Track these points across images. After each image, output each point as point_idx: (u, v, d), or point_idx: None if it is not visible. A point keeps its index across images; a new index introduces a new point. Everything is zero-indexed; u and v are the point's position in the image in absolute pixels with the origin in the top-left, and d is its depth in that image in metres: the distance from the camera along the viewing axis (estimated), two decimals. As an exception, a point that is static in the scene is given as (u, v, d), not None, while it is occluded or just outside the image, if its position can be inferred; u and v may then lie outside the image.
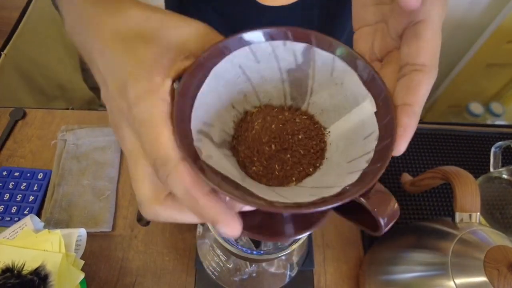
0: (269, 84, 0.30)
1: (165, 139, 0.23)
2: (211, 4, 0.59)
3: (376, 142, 0.23)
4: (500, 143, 0.62)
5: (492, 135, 0.73)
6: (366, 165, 0.23)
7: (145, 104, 0.23)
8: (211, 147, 0.26)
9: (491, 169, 0.62)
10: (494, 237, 0.40)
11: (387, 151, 0.23)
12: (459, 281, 0.38)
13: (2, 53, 1.02)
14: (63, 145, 0.62)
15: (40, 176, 0.59)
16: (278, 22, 0.58)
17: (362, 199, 0.23)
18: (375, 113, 0.24)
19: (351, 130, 0.26)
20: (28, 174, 0.59)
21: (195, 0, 0.59)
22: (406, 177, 0.59)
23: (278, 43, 0.28)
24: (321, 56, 0.27)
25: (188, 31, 0.26)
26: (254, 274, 0.47)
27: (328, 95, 0.28)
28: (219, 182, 0.23)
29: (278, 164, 0.27)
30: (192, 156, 0.23)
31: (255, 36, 0.27)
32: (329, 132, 0.28)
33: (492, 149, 0.63)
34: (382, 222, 0.24)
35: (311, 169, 0.27)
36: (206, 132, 0.27)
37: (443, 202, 0.64)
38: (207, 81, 0.26)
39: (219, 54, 0.27)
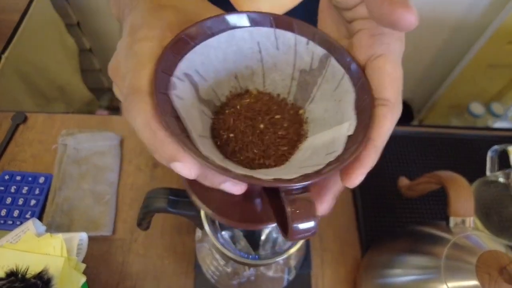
0: (279, 75, 0.29)
1: (145, 72, 0.23)
2: None
3: (332, 159, 0.23)
4: (496, 147, 0.62)
5: (489, 138, 0.73)
6: (311, 171, 0.23)
7: (145, 44, 0.25)
8: (189, 93, 0.26)
9: (488, 173, 0.63)
10: (487, 242, 0.41)
11: (336, 166, 0.22)
12: (451, 284, 0.39)
13: (2, 56, 1.03)
14: (63, 149, 0.63)
15: (42, 180, 0.60)
16: None
17: (286, 196, 0.23)
18: (349, 136, 0.24)
19: (321, 145, 0.26)
20: (30, 178, 0.60)
21: None
22: (404, 181, 0.60)
23: (302, 40, 0.27)
24: (334, 68, 0.27)
25: None
26: (252, 278, 0.48)
27: (323, 108, 0.28)
28: (171, 123, 0.22)
29: (252, 149, 0.27)
30: (160, 86, 0.23)
31: (284, 22, 0.27)
32: (306, 139, 0.28)
33: (489, 153, 0.63)
34: (293, 228, 0.23)
35: (276, 162, 0.27)
36: (194, 80, 0.26)
37: (439, 206, 0.64)
38: (219, 37, 0.26)
39: (242, 20, 0.27)
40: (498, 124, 1.65)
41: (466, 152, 0.71)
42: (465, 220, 0.44)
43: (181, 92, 0.25)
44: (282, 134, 0.28)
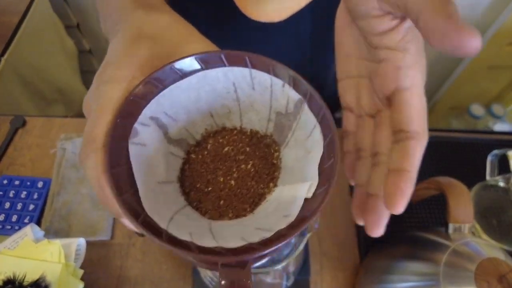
0: (256, 115, 0.29)
1: (104, 120, 0.23)
2: (204, 8, 0.59)
3: (284, 226, 0.22)
4: (496, 151, 0.62)
5: (489, 142, 0.73)
6: (257, 240, 0.22)
7: (111, 87, 0.24)
8: (155, 137, 0.25)
9: (488, 177, 0.63)
10: (486, 249, 0.41)
11: (279, 241, 0.21)
12: (451, 292, 0.38)
13: (1, 58, 1.03)
14: (62, 153, 0.63)
15: (40, 184, 0.60)
16: (267, 34, 0.58)
17: (222, 268, 0.22)
18: (305, 200, 0.24)
19: (284, 201, 0.25)
20: (28, 183, 0.60)
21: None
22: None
23: (278, 82, 0.27)
24: (307, 116, 0.26)
25: (199, 48, 0.27)
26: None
27: (295, 156, 0.27)
28: (117, 175, 0.22)
29: (216, 193, 0.27)
30: (118, 135, 0.23)
31: (259, 62, 0.26)
32: (274, 190, 0.27)
33: (489, 157, 0.63)
34: None
35: (241, 212, 0.26)
36: (162, 122, 0.26)
37: (438, 211, 0.64)
38: (190, 78, 0.26)
39: (216, 60, 0.26)
40: (499, 126, 1.64)
41: (465, 156, 0.71)
42: (464, 227, 0.44)
43: (143, 138, 0.24)
44: (251, 185, 0.27)
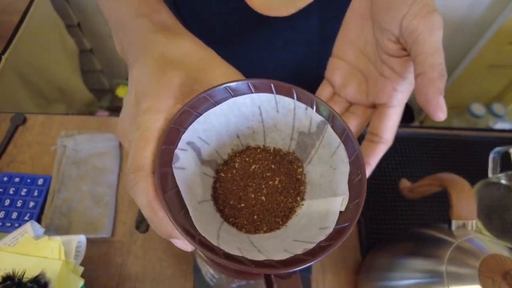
0: (279, 134, 0.31)
1: (149, 148, 0.25)
2: (210, 9, 0.59)
3: (323, 238, 0.24)
4: (498, 148, 0.62)
5: (491, 139, 0.73)
6: (301, 252, 0.24)
7: (150, 117, 0.26)
8: (191, 160, 0.27)
9: (490, 175, 0.62)
10: (490, 245, 0.40)
11: (324, 251, 0.23)
12: (454, 289, 0.38)
13: (2, 56, 1.03)
14: (62, 150, 0.63)
15: (40, 182, 0.60)
16: (276, 30, 0.58)
17: (275, 278, 0.24)
18: (340, 213, 0.26)
19: (316, 215, 0.27)
20: (29, 180, 0.60)
21: (193, 2, 0.60)
22: (405, 183, 0.59)
23: (301, 105, 0.29)
24: (331, 136, 0.28)
25: (223, 74, 0.30)
26: (252, 281, 0.48)
27: (320, 172, 0.29)
28: (171, 199, 0.23)
29: (249, 209, 0.29)
30: (163, 162, 0.24)
31: (284, 88, 0.29)
32: (303, 204, 0.29)
33: (491, 155, 0.63)
34: None
35: (275, 225, 0.28)
36: (197, 145, 0.28)
37: (441, 208, 0.64)
38: (222, 105, 0.28)
39: (244, 88, 0.28)
40: (499, 125, 1.64)
41: (467, 154, 0.71)
42: (467, 223, 0.43)
43: (183, 162, 0.26)
44: (281, 199, 0.29)
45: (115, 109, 1.72)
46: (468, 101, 1.71)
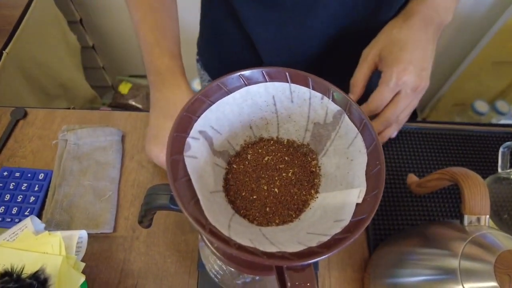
0: (293, 126, 0.30)
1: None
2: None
3: (339, 231, 0.23)
4: (508, 143, 0.61)
5: (499, 134, 0.72)
6: (315, 245, 0.23)
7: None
8: (203, 149, 0.27)
9: (499, 170, 0.61)
10: (505, 241, 0.39)
11: (340, 243, 0.23)
12: (468, 285, 0.37)
13: (4, 52, 1.02)
14: (64, 145, 0.61)
15: (41, 176, 0.59)
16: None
17: (287, 271, 0.23)
18: (357, 204, 0.25)
19: (332, 207, 0.26)
20: (29, 175, 0.59)
21: None
22: (412, 178, 0.58)
23: (317, 95, 0.28)
24: (348, 126, 0.28)
25: None
26: (257, 278, 0.47)
27: (336, 164, 0.28)
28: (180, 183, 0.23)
29: (261, 201, 0.28)
30: (175, 149, 0.24)
31: (299, 76, 0.28)
32: (317, 197, 0.29)
33: (501, 149, 0.61)
34: None
35: (287, 218, 0.28)
36: (209, 135, 0.27)
37: (450, 203, 0.63)
38: (234, 94, 0.28)
39: (258, 77, 0.28)
40: (503, 123, 1.63)
41: (475, 149, 0.70)
42: (480, 219, 0.42)
43: (194, 151, 0.26)
44: (294, 192, 0.28)
45: (117, 105, 1.71)
46: (471, 99, 1.70)
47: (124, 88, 1.70)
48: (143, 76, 1.70)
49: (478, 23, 1.48)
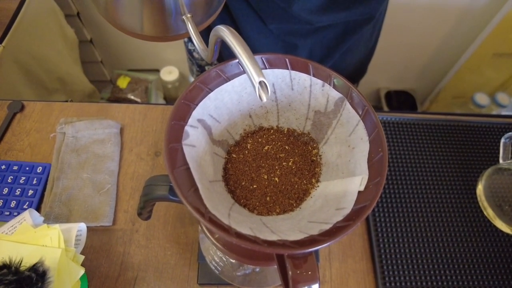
0: (293, 114, 0.30)
1: None
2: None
3: (341, 219, 0.23)
4: (510, 133, 0.60)
5: (500, 125, 0.71)
6: (317, 233, 0.22)
7: None
8: (202, 138, 0.26)
9: (501, 161, 0.61)
10: None
11: (342, 231, 0.22)
12: None
13: (0, 45, 1.01)
14: (62, 138, 0.61)
15: (39, 169, 0.58)
16: None
17: (289, 259, 0.23)
18: (359, 192, 0.25)
19: (333, 196, 0.26)
20: (27, 168, 0.58)
21: None
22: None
23: (318, 82, 0.28)
24: (349, 113, 0.27)
25: None
26: (257, 269, 0.46)
27: (337, 152, 0.28)
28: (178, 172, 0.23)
29: (261, 190, 0.28)
30: (173, 138, 0.24)
31: (299, 63, 0.28)
32: (318, 186, 0.28)
33: (502, 140, 0.61)
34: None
35: (288, 207, 0.27)
36: (207, 124, 0.27)
37: (450, 192, 0.62)
38: (233, 81, 0.27)
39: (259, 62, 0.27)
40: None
41: (477, 140, 0.69)
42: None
43: (193, 140, 0.25)
44: (295, 181, 0.28)
45: (116, 100, 1.70)
46: (471, 91, 1.69)
47: (122, 82, 1.69)
48: (142, 70, 1.69)
49: (478, 15, 1.47)
